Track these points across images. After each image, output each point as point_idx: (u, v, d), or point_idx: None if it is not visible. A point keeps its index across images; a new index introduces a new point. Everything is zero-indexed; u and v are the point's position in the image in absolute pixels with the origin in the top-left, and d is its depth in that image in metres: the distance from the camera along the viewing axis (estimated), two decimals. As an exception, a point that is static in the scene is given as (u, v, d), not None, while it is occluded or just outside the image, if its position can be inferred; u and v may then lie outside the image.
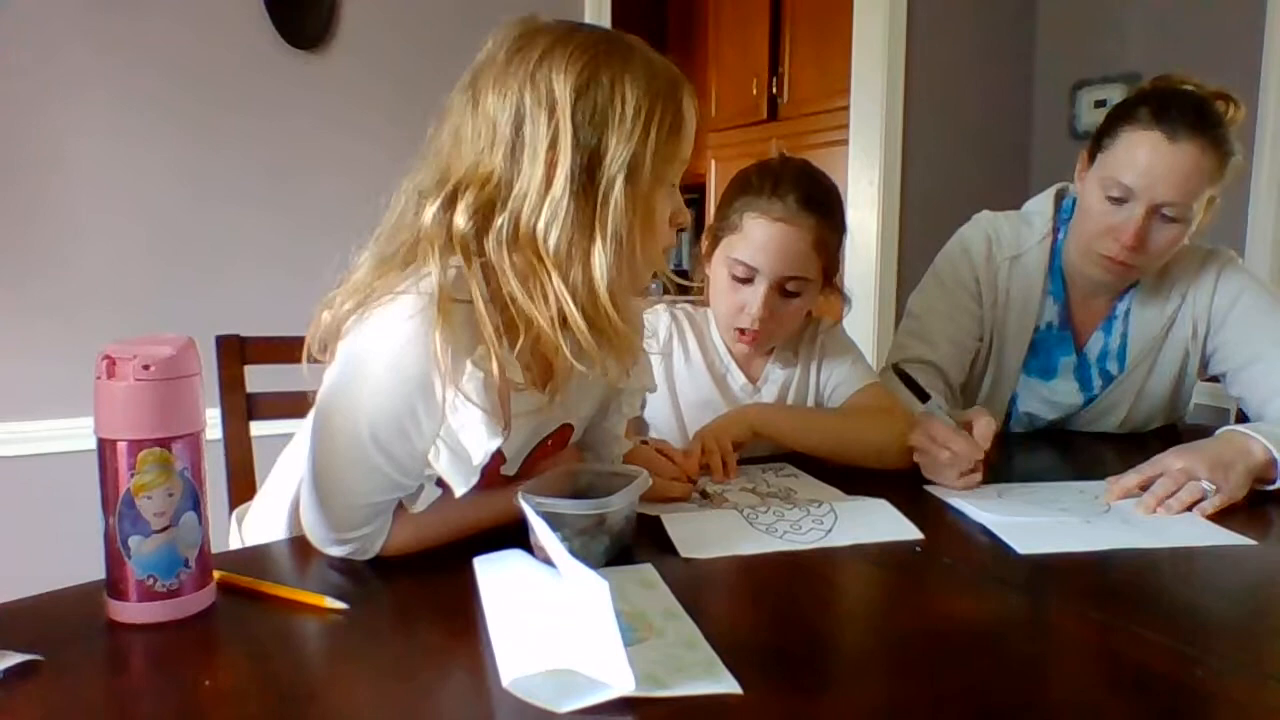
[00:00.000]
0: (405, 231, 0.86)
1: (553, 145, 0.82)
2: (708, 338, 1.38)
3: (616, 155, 0.83)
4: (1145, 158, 1.29)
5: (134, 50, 1.96)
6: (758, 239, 1.24)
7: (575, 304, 0.83)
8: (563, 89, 0.82)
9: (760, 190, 1.26)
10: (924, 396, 1.25)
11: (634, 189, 0.84)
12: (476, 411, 0.81)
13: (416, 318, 0.79)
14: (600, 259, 0.83)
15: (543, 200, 0.82)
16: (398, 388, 0.80)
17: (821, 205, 1.26)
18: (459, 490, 0.84)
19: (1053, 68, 3.08)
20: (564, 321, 0.84)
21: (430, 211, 0.83)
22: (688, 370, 1.37)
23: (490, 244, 0.83)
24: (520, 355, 0.84)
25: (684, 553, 0.91)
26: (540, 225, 0.82)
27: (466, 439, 0.82)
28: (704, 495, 1.10)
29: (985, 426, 1.17)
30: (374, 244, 0.88)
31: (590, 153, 0.83)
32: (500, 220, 0.83)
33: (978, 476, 1.16)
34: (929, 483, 1.18)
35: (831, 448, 1.25)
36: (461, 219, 0.82)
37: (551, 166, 0.82)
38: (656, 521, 0.99)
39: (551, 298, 0.83)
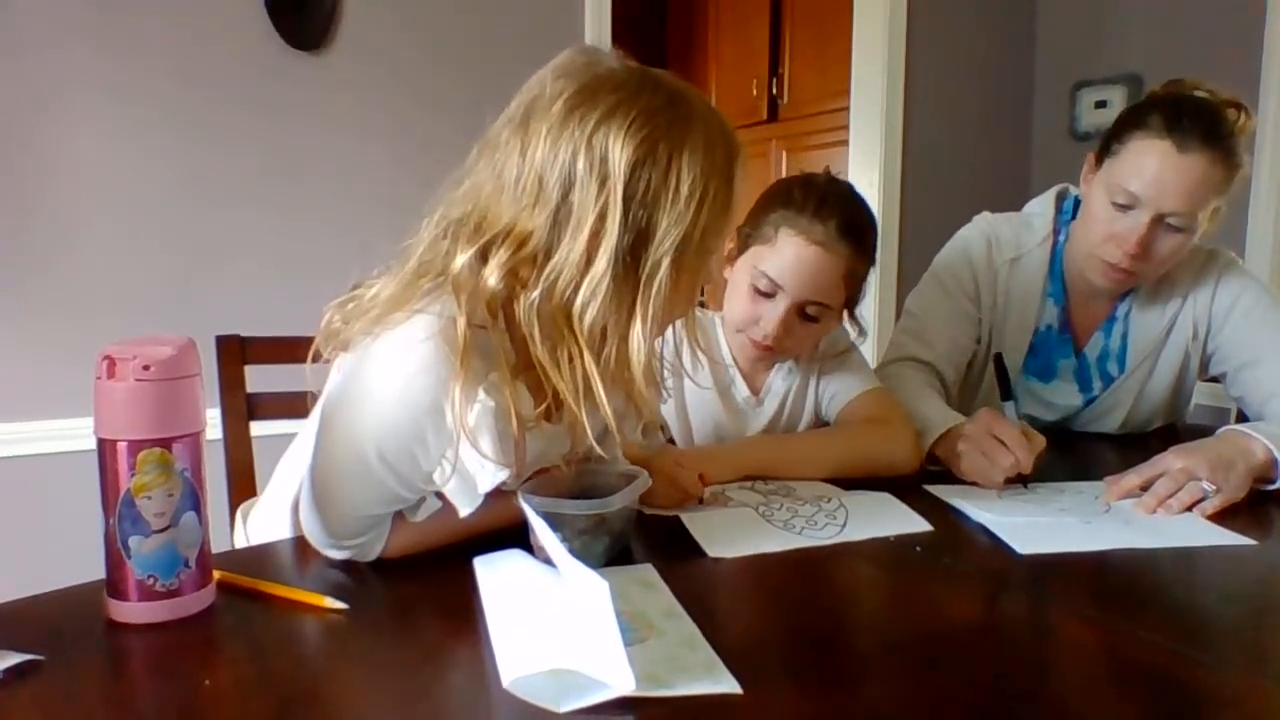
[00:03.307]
0: (432, 263, 0.83)
1: (600, 218, 0.78)
2: (713, 346, 1.35)
3: (666, 237, 0.79)
4: (1154, 167, 1.28)
5: (134, 50, 1.96)
6: (790, 257, 1.20)
7: (604, 381, 0.81)
8: (618, 160, 0.78)
9: (803, 207, 1.21)
10: (1008, 394, 1.25)
11: (678, 268, 0.81)
12: (486, 441, 0.79)
13: (430, 341, 0.77)
14: (638, 341, 0.80)
15: (581, 277, 0.78)
16: (408, 411, 0.79)
17: (860, 236, 1.23)
18: (463, 512, 0.83)
19: (1053, 68, 3.08)
20: (589, 392, 0.81)
21: (462, 260, 0.80)
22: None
23: (520, 307, 0.80)
24: (534, 390, 0.83)
25: (711, 552, 0.91)
26: (577, 302, 0.79)
27: (474, 466, 0.80)
28: (699, 500, 1.09)
29: (1039, 442, 1.17)
30: (399, 267, 0.85)
31: (638, 232, 0.79)
32: (534, 288, 0.79)
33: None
34: (928, 483, 1.18)
35: (833, 472, 1.21)
36: (493, 278, 0.79)
37: (595, 240, 0.78)
38: (659, 521, 0.99)
39: (580, 371, 0.80)
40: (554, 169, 0.79)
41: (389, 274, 0.85)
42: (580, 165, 0.78)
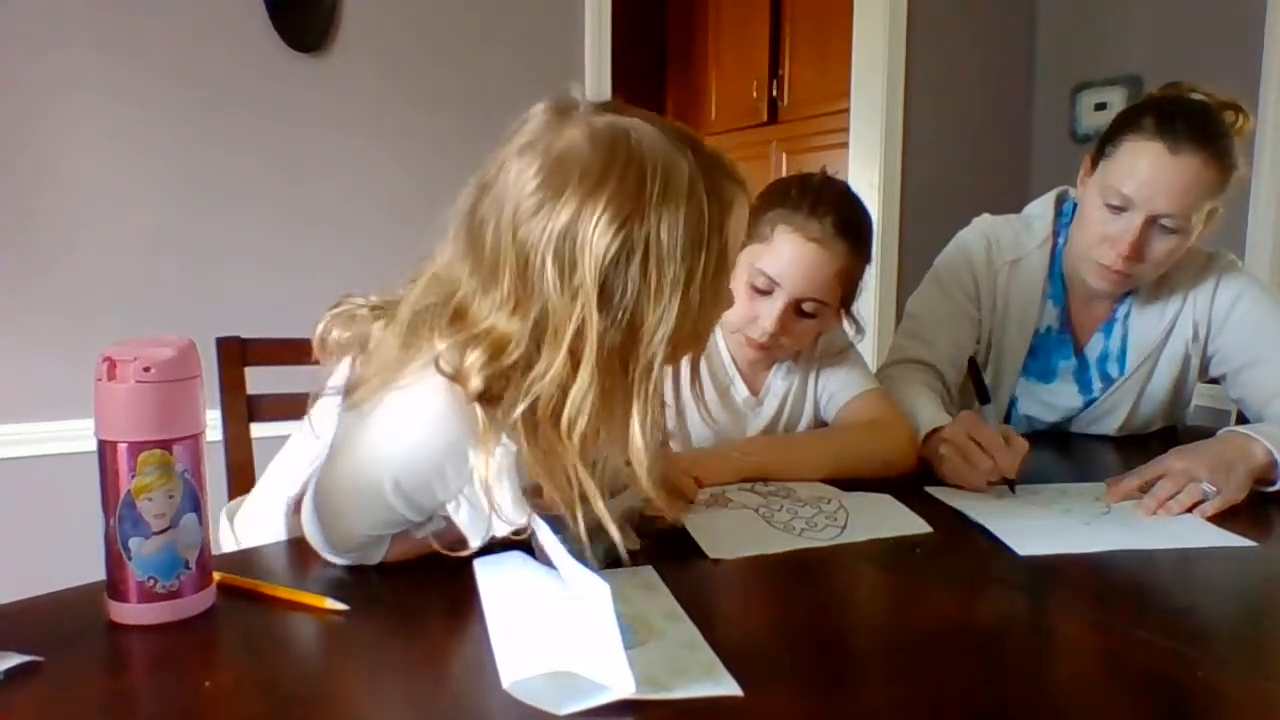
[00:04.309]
0: (423, 323, 0.79)
1: (578, 332, 0.73)
2: (713, 348, 1.35)
3: (655, 332, 0.74)
4: (1146, 168, 1.29)
5: (134, 51, 1.97)
6: (786, 254, 1.21)
7: (602, 487, 0.77)
8: (589, 265, 0.71)
9: (798, 206, 1.22)
10: (985, 398, 1.24)
11: (676, 346, 0.77)
12: (507, 486, 0.77)
13: (455, 388, 0.75)
14: (638, 445, 0.75)
15: (565, 393, 0.74)
16: (429, 452, 0.77)
17: (856, 233, 1.24)
18: (474, 543, 0.80)
19: (1053, 70, 3.08)
20: (585, 501, 0.76)
21: (442, 346, 0.76)
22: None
23: (501, 414, 0.75)
24: None
25: (711, 554, 0.91)
26: (564, 416, 0.74)
27: (491, 509, 0.78)
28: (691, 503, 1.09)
29: (1020, 446, 1.16)
30: (403, 313, 0.80)
31: (623, 334, 0.74)
32: (517, 403, 0.74)
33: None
34: (929, 484, 1.18)
35: (831, 473, 1.21)
36: (475, 380, 0.74)
37: (576, 351, 0.73)
38: (659, 522, 0.99)
39: (575, 483, 0.75)
40: (525, 279, 0.74)
41: (389, 321, 0.82)
42: (550, 276, 0.72)
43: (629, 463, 0.77)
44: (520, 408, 0.74)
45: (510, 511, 0.77)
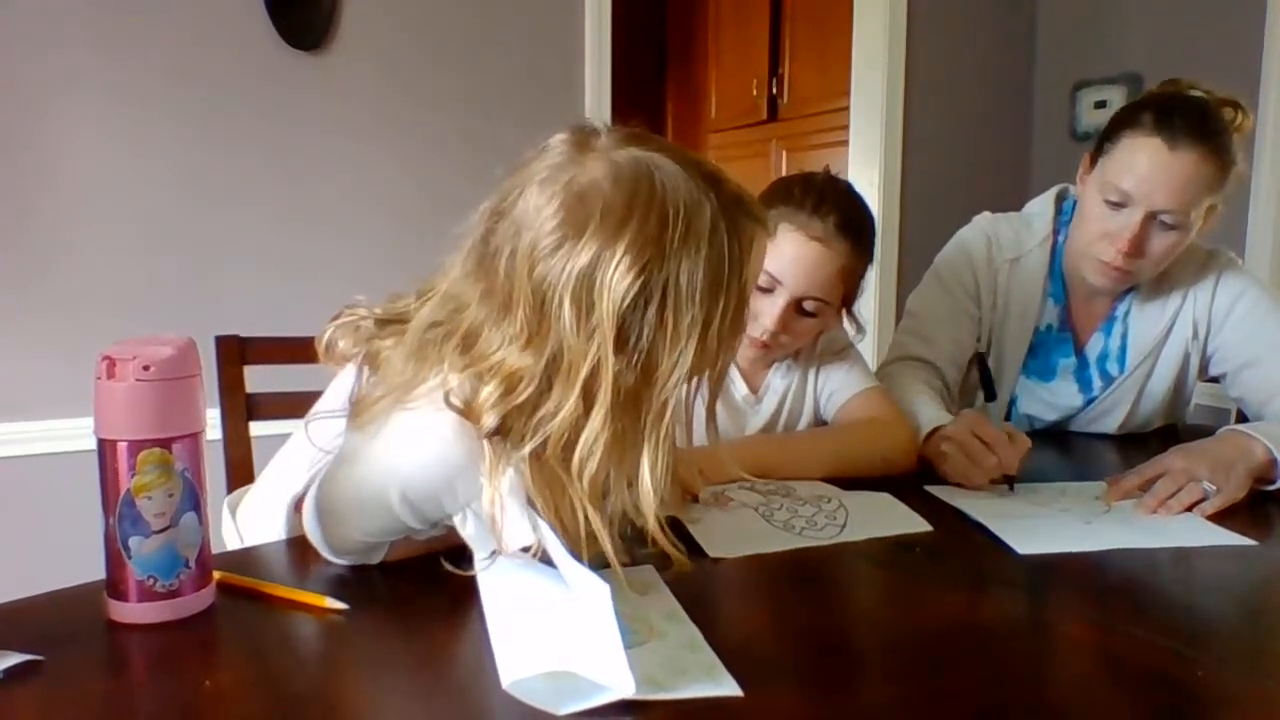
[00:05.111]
0: (432, 347, 0.79)
1: (592, 374, 0.72)
2: None
3: (669, 377, 0.74)
4: (1144, 164, 1.29)
5: (134, 50, 1.97)
6: (789, 253, 1.21)
7: (612, 538, 0.75)
8: (606, 310, 0.71)
9: (801, 204, 1.22)
10: (992, 394, 1.24)
11: (691, 383, 0.77)
12: (518, 505, 0.76)
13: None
14: (648, 482, 0.75)
15: (577, 434, 0.73)
16: (440, 469, 0.77)
17: (858, 232, 1.24)
18: (480, 555, 0.79)
19: (1053, 68, 3.08)
20: (593, 543, 0.74)
21: (455, 381, 0.75)
22: None
23: (510, 447, 0.74)
24: None
25: (711, 553, 0.90)
26: (575, 458, 0.73)
27: (498, 527, 0.77)
28: (693, 499, 1.09)
29: (1023, 443, 1.16)
30: (411, 335, 0.80)
31: (637, 378, 0.73)
32: (526, 439, 0.73)
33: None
34: (929, 483, 1.18)
35: (830, 472, 1.20)
36: (490, 418, 0.73)
37: (589, 392, 0.72)
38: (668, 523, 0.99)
39: (584, 525, 0.74)
40: (540, 316, 0.73)
41: (397, 342, 0.82)
42: (566, 316, 0.72)
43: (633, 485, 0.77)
44: (529, 446, 0.73)
45: (518, 533, 0.77)
